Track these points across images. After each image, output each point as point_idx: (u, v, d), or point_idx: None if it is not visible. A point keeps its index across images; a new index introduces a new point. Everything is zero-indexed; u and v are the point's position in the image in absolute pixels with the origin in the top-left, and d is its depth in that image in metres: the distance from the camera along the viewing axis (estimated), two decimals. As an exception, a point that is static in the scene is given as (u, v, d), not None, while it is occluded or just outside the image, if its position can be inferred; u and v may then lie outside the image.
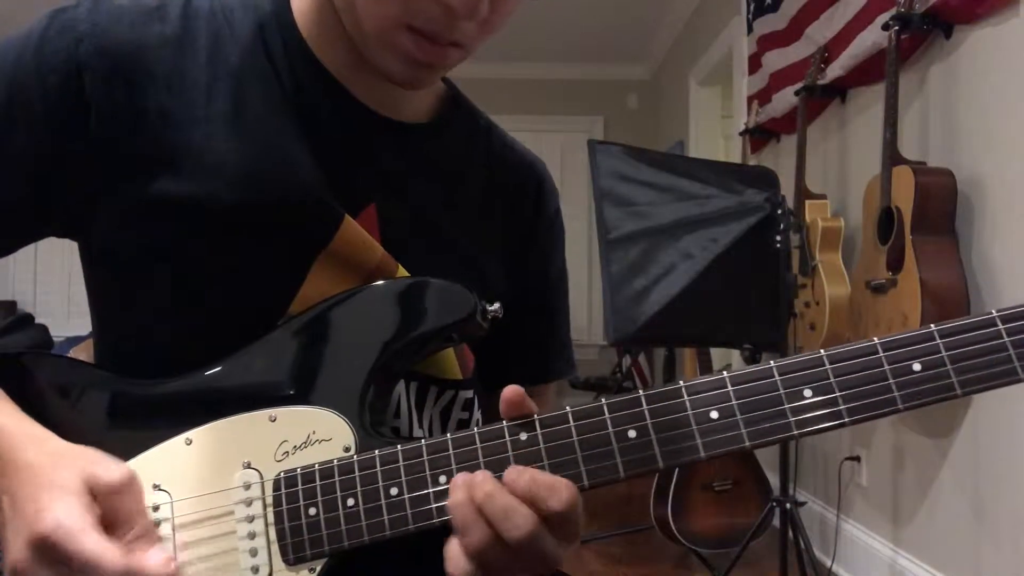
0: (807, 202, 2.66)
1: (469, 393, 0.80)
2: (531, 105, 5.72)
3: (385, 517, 0.61)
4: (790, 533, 2.19)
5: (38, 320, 0.82)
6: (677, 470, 2.71)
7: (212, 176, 0.67)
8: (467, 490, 0.57)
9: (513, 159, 0.86)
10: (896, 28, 2.04)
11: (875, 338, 0.57)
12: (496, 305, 0.70)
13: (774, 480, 2.51)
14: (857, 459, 2.58)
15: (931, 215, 1.95)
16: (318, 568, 0.62)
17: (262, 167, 0.68)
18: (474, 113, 0.85)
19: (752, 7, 3.50)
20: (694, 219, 2.13)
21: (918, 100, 2.20)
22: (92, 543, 0.54)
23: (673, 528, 2.67)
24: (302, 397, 0.66)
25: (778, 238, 2.12)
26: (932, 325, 0.56)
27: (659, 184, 2.16)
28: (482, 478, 0.57)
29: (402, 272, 0.73)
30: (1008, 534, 1.85)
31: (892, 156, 2.03)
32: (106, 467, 0.59)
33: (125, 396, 0.68)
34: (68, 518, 0.54)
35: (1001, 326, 0.55)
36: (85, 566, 0.54)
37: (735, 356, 3.83)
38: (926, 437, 2.20)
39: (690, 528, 2.68)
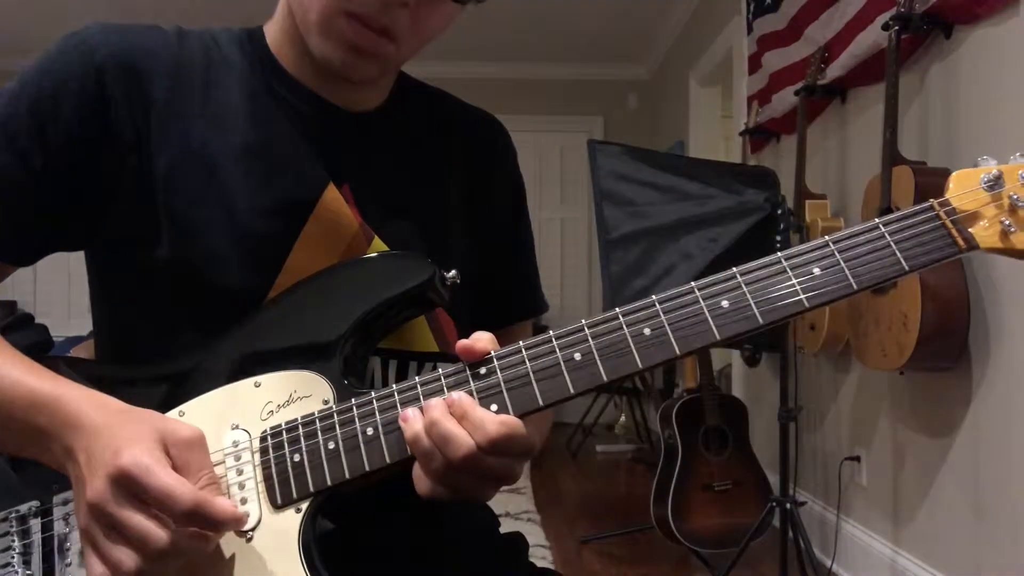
0: (807, 202, 2.66)
1: (448, 367, 0.83)
2: (531, 105, 5.73)
3: (363, 454, 0.67)
4: (790, 533, 2.19)
5: (38, 320, 0.87)
6: (677, 470, 2.71)
7: (209, 166, 0.77)
8: (418, 421, 0.64)
9: (467, 117, 0.96)
10: (896, 28, 2.04)
11: (779, 254, 0.65)
12: (453, 272, 0.76)
13: (774, 480, 2.51)
14: (857, 459, 2.59)
15: (931, 215, 1.94)
16: (304, 507, 0.67)
17: (252, 156, 0.79)
18: (422, 87, 0.94)
19: (752, 7, 3.50)
20: (694, 219, 2.13)
21: (918, 100, 2.20)
22: (167, 476, 0.59)
23: (673, 528, 2.67)
24: (283, 364, 0.72)
25: (778, 238, 2.12)
26: (826, 236, 0.65)
27: (659, 184, 2.16)
28: (432, 404, 0.65)
29: (377, 242, 0.81)
30: (1008, 534, 1.85)
31: (892, 156, 2.02)
32: (178, 424, 0.64)
33: (121, 383, 0.73)
34: (145, 455, 0.59)
35: (883, 229, 0.64)
36: (160, 496, 0.58)
37: (735, 355, 3.83)
38: (926, 437, 2.20)
39: (690, 528, 2.68)
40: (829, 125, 2.82)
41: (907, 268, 0.64)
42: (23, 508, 0.71)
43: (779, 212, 2.13)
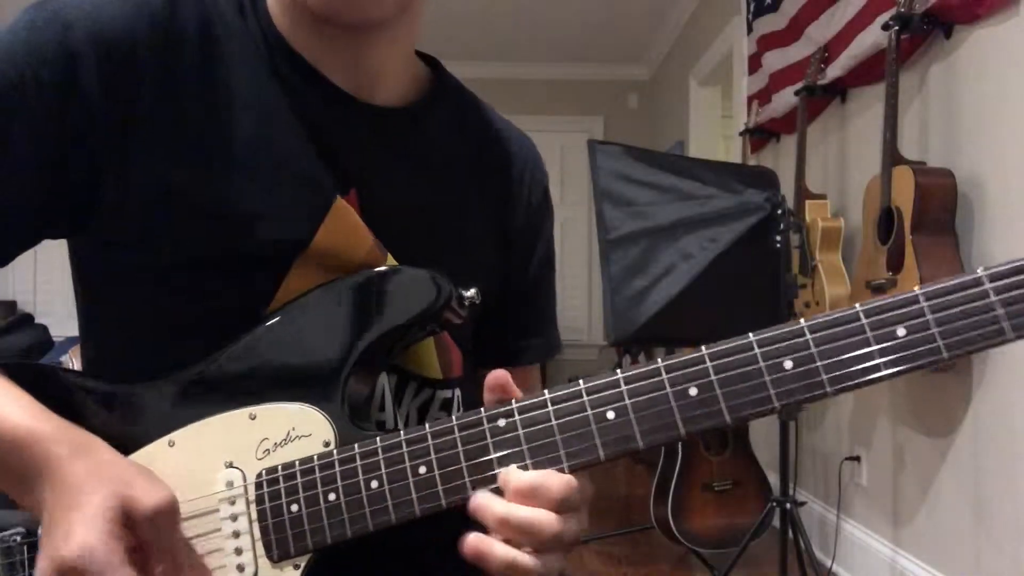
0: (807, 202, 2.66)
1: (448, 393, 0.80)
2: (531, 105, 5.72)
3: (367, 510, 0.61)
4: (790, 533, 2.19)
5: (38, 320, 0.83)
6: (677, 470, 2.71)
7: (206, 161, 0.67)
8: (485, 540, 0.58)
9: (501, 139, 0.86)
10: (896, 28, 2.04)
11: (857, 305, 0.55)
12: (472, 291, 0.70)
13: (774, 480, 2.51)
14: (857, 459, 2.58)
15: (931, 215, 1.95)
16: (303, 564, 0.62)
17: (249, 155, 0.69)
18: (460, 93, 0.84)
19: (752, 7, 3.50)
20: (694, 219, 2.13)
21: (918, 100, 2.20)
22: None
23: (673, 528, 2.66)
24: (281, 394, 0.66)
25: (778, 238, 2.12)
26: (917, 288, 0.54)
27: (659, 184, 2.15)
28: (489, 504, 0.59)
29: (391, 261, 0.73)
30: (1008, 534, 1.85)
31: (892, 156, 2.02)
32: (145, 490, 0.57)
33: (106, 401, 0.68)
34: (96, 547, 0.53)
35: (988, 284, 0.53)
36: None
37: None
38: (926, 437, 2.20)
39: (690, 528, 2.68)
40: (829, 125, 2.82)
41: (1012, 336, 0.52)
42: (7, 538, 0.66)
43: (779, 212, 2.13)
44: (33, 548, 0.65)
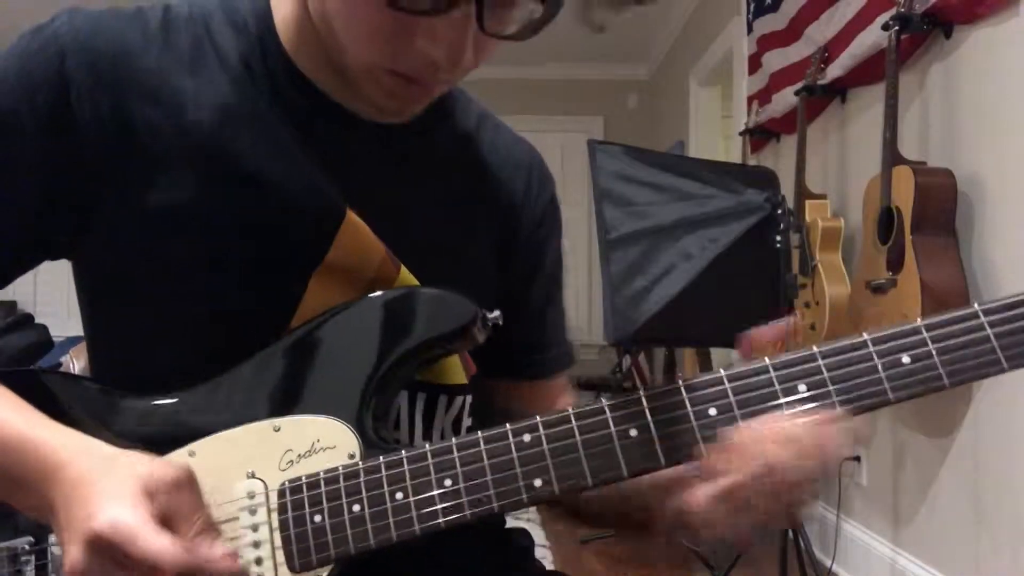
0: (807, 202, 2.66)
1: (471, 397, 0.80)
2: (531, 105, 5.72)
3: (391, 522, 0.61)
4: (790, 533, 2.19)
5: (38, 320, 0.83)
6: (677, 470, 2.71)
7: (205, 184, 0.67)
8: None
9: (505, 151, 0.85)
10: (896, 28, 2.04)
11: (864, 334, 0.59)
12: (496, 313, 0.70)
13: (774, 480, 2.50)
14: (857, 459, 2.58)
15: (931, 215, 1.95)
16: (324, 574, 0.62)
17: (256, 173, 0.68)
18: (465, 104, 0.84)
19: (752, 7, 3.50)
20: (694, 219, 2.13)
21: (918, 100, 2.20)
22: (152, 540, 0.52)
23: (673, 528, 2.66)
24: (306, 407, 0.66)
25: (778, 238, 2.12)
26: (919, 319, 0.58)
27: (659, 184, 2.16)
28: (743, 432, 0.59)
29: (404, 272, 0.73)
30: (1008, 534, 1.85)
31: (892, 156, 2.02)
32: (160, 465, 0.58)
33: (125, 411, 0.68)
34: (124, 516, 0.53)
35: (983, 319, 0.57)
36: (145, 562, 0.52)
37: (735, 356, 3.83)
38: (926, 437, 2.20)
39: (690, 528, 2.67)
40: (829, 125, 2.82)
41: (1007, 367, 0.57)
42: (16, 545, 0.66)
43: (779, 212, 2.13)
44: (41, 556, 0.65)
